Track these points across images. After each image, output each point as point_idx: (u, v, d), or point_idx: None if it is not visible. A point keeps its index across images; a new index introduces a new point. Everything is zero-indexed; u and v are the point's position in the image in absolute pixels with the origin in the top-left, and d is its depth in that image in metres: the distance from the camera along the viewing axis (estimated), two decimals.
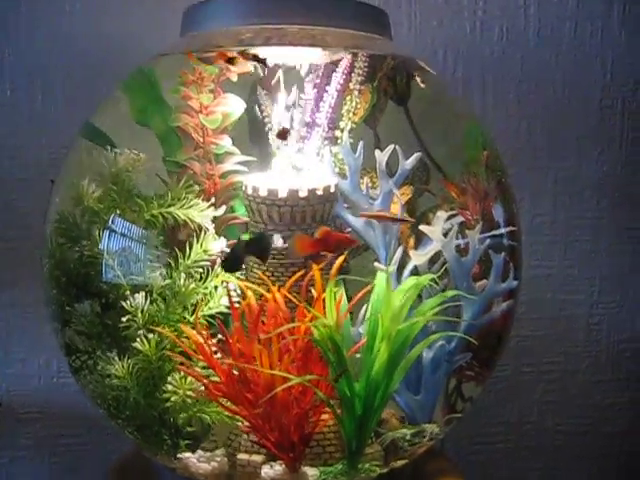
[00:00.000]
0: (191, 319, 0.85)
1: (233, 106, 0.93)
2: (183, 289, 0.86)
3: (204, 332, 0.83)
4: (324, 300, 0.82)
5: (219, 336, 0.86)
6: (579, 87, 1.36)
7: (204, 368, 0.84)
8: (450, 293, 0.85)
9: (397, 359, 0.82)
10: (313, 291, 0.84)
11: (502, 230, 0.93)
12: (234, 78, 0.91)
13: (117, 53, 1.20)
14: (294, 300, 0.82)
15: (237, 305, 0.85)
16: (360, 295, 0.84)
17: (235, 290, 0.87)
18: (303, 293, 0.83)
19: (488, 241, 0.90)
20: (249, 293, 0.83)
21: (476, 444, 1.42)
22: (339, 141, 0.94)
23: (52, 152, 1.25)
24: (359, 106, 0.96)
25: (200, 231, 0.88)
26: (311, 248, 0.82)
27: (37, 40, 1.23)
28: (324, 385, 0.82)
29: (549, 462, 1.45)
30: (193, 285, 0.87)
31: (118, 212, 0.87)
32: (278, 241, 0.89)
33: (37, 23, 1.23)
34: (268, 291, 0.83)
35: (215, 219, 0.90)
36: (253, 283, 0.87)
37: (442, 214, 0.90)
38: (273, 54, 0.91)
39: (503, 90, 1.36)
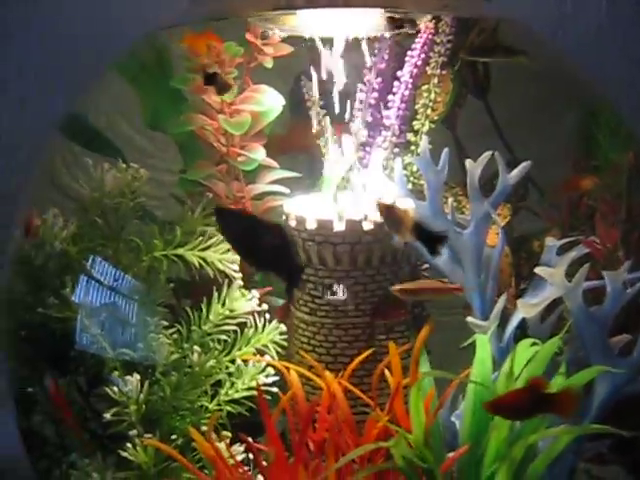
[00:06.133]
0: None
1: (268, 102, 0.78)
2: (197, 368, 0.70)
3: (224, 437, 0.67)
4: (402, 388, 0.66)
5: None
6: None
7: None
8: (594, 371, 0.67)
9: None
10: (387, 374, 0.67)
11: None
12: (269, 64, 0.77)
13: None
14: (365, 399, 0.66)
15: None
16: (457, 381, 0.67)
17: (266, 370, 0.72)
18: (374, 387, 0.66)
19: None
20: (293, 377, 0.66)
21: None
22: (413, 148, 0.81)
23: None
24: (438, 99, 0.82)
25: (224, 282, 0.73)
26: None
27: None
28: None
29: None
30: (212, 361, 0.70)
31: (103, 255, 0.72)
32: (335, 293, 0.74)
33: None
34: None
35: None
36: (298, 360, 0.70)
37: (552, 241, 0.76)
38: (318, 22, 0.76)
39: None
